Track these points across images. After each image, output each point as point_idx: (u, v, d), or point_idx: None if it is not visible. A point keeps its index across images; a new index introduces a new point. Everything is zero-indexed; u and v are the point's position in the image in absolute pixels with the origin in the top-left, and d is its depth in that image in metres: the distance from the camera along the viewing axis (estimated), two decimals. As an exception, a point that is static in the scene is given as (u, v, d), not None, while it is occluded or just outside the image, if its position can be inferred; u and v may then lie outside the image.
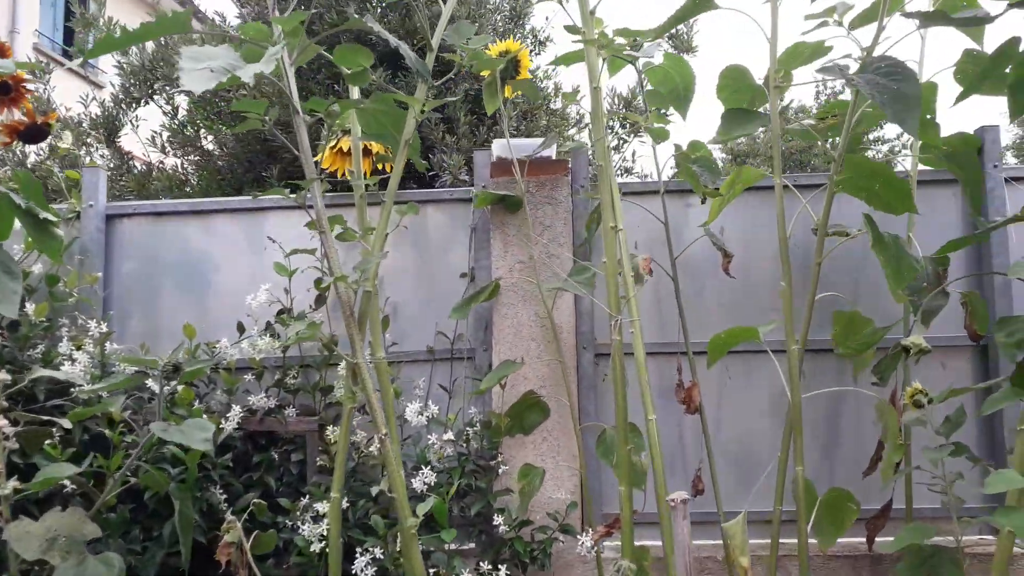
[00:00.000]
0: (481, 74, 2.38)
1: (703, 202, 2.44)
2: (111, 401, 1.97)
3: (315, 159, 2.84)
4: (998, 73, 1.97)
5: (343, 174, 2.50)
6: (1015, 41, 1.90)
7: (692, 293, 2.57)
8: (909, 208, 1.96)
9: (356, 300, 2.00)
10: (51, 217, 1.78)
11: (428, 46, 2.03)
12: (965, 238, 2.00)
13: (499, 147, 2.54)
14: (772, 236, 2.53)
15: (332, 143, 2.53)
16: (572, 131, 5.54)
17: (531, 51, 5.39)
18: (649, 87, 2.45)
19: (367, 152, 2.48)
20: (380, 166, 2.58)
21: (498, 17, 5.27)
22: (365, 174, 2.29)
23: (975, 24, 1.97)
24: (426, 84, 2.03)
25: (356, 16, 1.91)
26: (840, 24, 2.15)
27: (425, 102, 2.02)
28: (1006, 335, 1.79)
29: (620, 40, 2.21)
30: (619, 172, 5.26)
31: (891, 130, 10.41)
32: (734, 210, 2.50)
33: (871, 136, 10.69)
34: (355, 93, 2.26)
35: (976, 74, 2.00)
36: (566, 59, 2.32)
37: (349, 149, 2.53)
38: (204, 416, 2.25)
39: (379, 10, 4.43)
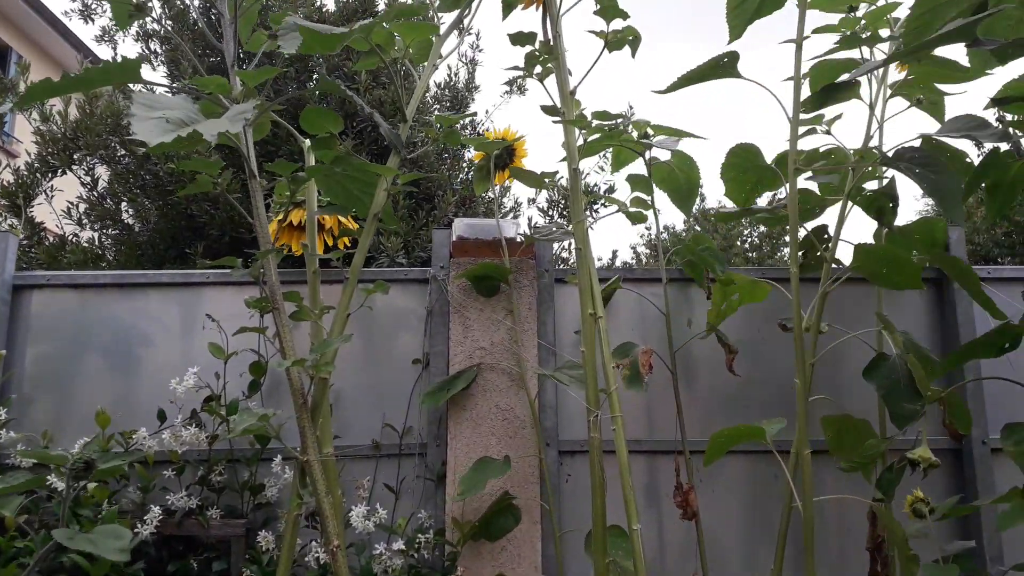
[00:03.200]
0: (474, 157, 2.27)
1: (708, 297, 2.33)
2: (5, 503, 1.66)
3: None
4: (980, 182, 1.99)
5: (288, 250, 2.30)
6: (996, 152, 1.92)
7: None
8: (915, 285, 1.91)
9: (308, 388, 1.77)
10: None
11: (402, 117, 1.90)
12: (970, 347, 1.92)
13: (461, 227, 2.40)
14: (762, 330, 2.46)
15: (281, 216, 2.34)
16: (504, 217, 5.49)
17: (439, 143, 5.36)
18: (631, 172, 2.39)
19: (320, 229, 2.30)
20: (330, 242, 2.40)
21: (436, 107, 5.25)
22: (319, 253, 2.10)
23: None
24: (399, 156, 1.88)
25: (325, 77, 1.77)
26: (828, 132, 2.20)
27: (399, 175, 1.86)
28: (1014, 443, 1.71)
29: (598, 122, 2.12)
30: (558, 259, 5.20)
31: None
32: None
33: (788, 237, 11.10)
34: (311, 160, 2.09)
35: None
36: (594, 147, 2.21)
37: (299, 223, 2.34)
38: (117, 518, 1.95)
39: (343, 75, 4.33)
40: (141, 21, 5.28)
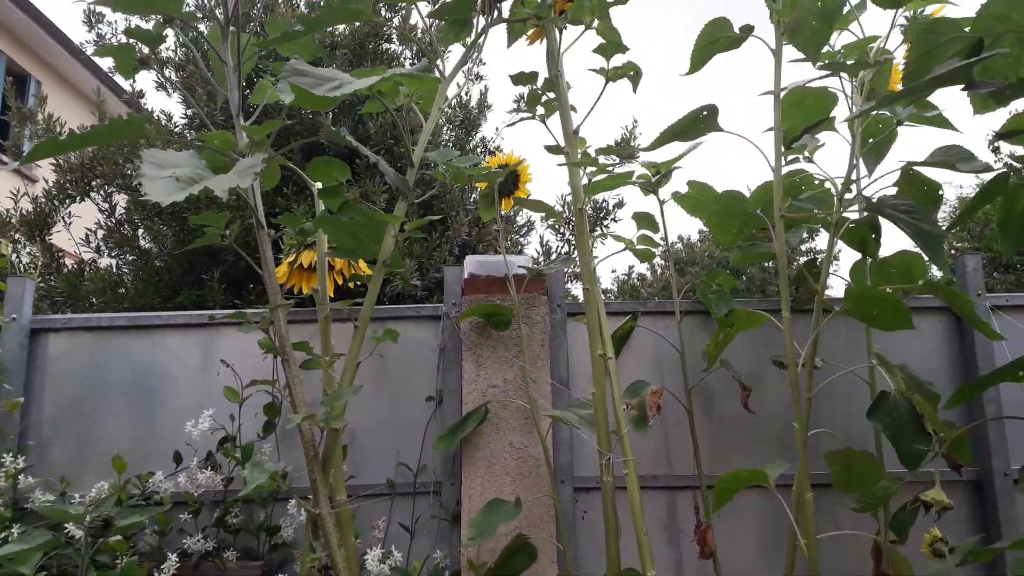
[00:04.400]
0: (478, 185, 2.28)
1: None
2: (23, 558, 1.68)
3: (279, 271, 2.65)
4: (980, 207, 1.97)
5: (299, 291, 2.31)
6: (1004, 177, 1.88)
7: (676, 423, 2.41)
8: (906, 325, 1.88)
9: (320, 439, 1.78)
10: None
11: (410, 162, 1.90)
12: (985, 378, 1.89)
13: (472, 264, 2.39)
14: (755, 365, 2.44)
15: (291, 258, 2.34)
16: (517, 237, 5.49)
17: (483, 160, 5.37)
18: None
19: (330, 268, 2.30)
20: (340, 282, 2.41)
21: (448, 128, 5.26)
22: (330, 294, 2.10)
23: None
24: (407, 201, 1.88)
25: (331, 128, 1.77)
26: (810, 160, 2.16)
27: (407, 221, 1.86)
28: (1031, 483, 1.68)
29: (604, 159, 2.11)
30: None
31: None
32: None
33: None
34: (321, 207, 2.10)
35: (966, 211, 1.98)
36: (600, 186, 2.22)
37: (310, 265, 2.35)
38: (136, 565, 1.96)
39: (352, 122, 4.35)
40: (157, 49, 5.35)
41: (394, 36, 4.94)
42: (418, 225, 1.94)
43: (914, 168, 2.02)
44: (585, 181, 2.07)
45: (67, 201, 4.52)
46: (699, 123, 1.94)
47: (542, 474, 2.27)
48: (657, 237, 2.28)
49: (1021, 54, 1.70)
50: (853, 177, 2.11)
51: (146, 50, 1.84)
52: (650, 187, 2.27)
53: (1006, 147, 6.39)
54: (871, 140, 2.07)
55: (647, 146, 2.02)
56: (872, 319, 1.96)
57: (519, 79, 2.02)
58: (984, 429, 2.31)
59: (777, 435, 2.42)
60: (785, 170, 2.13)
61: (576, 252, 2.24)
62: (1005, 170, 1.86)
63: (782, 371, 2.25)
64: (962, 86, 1.59)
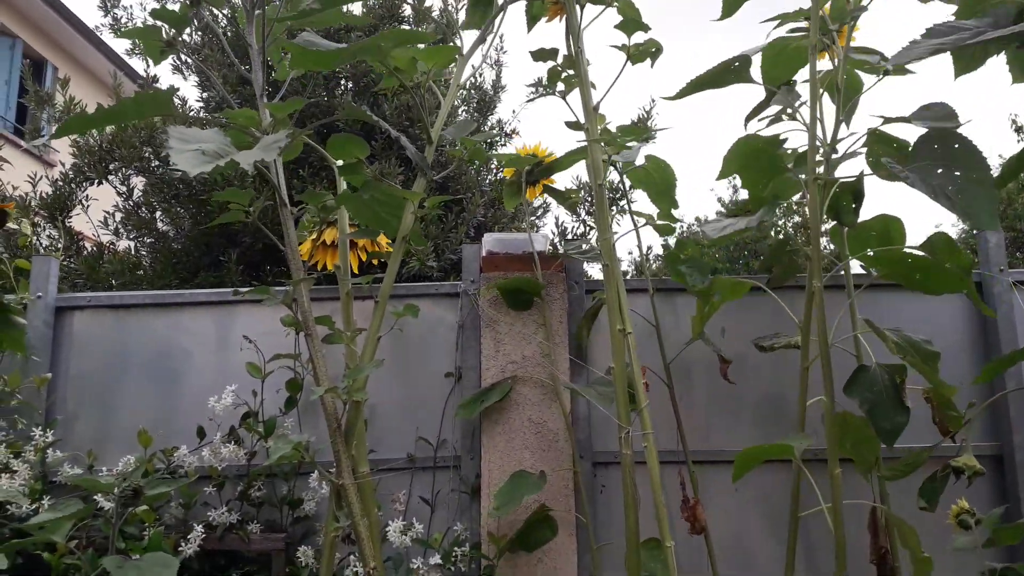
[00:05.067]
0: (505, 173, 2.28)
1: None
2: (55, 527, 1.71)
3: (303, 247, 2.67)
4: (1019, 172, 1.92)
5: (323, 267, 2.33)
6: None
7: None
8: (964, 286, 1.85)
9: (343, 411, 1.81)
10: (10, 304, 1.58)
11: (428, 139, 1.91)
12: (1010, 357, 1.88)
13: (490, 241, 2.41)
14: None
15: (315, 235, 2.37)
16: (533, 219, 5.49)
17: (498, 142, 5.37)
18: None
19: (352, 245, 2.33)
20: (364, 258, 2.43)
21: (463, 109, 5.26)
22: (352, 270, 2.12)
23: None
24: (425, 178, 1.90)
25: (351, 103, 1.78)
26: (794, 118, 2.06)
27: (426, 197, 1.88)
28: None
29: (623, 138, 2.12)
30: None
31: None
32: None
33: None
34: (343, 185, 2.12)
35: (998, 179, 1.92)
36: (568, 160, 2.21)
37: (333, 242, 2.37)
38: (163, 536, 2.00)
39: (370, 99, 4.36)
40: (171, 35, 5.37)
41: (409, 17, 4.94)
42: (437, 202, 1.96)
43: (881, 128, 1.92)
44: (605, 157, 2.07)
45: (85, 184, 4.56)
46: (730, 73, 1.92)
47: (560, 449, 2.30)
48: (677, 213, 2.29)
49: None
50: (841, 135, 2.02)
51: (172, 32, 1.86)
52: (611, 161, 2.26)
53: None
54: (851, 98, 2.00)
55: (673, 95, 2.01)
56: (913, 282, 1.92)
57: (539, 55, 2.03)
58: (1004, 403, 2.31)
59: (754, 407, 2.45)
60: (771, 130, 2.09)
61: (594, 230, 2.24)
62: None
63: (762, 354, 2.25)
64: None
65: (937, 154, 1.66)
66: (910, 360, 1.85)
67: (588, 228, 5.07)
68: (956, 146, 1.65)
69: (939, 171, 1.60)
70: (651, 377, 2.19)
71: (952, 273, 1.86)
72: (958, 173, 1.59)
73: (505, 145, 5.57)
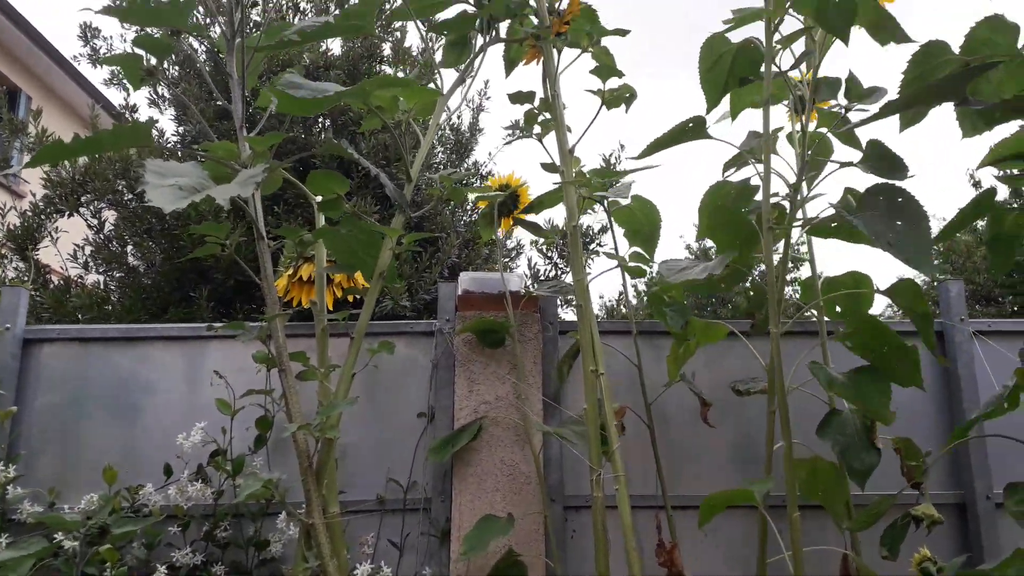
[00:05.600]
0: (478, 205, 2.30)
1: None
2: (15, 565, 1.67)
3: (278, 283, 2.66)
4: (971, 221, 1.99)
5: (297, 303, 2.32)
6: (991, 192, 1.90)
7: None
8: (915, 383, 1.88)
9: (315, 449, 1.78)
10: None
11: (407, 177, 1.93)
12: (976, 419, 1.91)
13: (466, 281, 2.42)
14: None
15: (290, 271, 2.36)
16: (506, 260, 5.52)
17: (475, 183, 5.41)
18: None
19: (329, 281, 2.32)
20: (339, 295, 2.42)
21: (440, 151, 5.31)
22: (328, 307, 2.11)
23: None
24: (404, 215, 1.91)
25: (331, 139, 1.80)
26: (759, 161, 2.12)
27: (404, 234, 1.89)
28: (1015, 503, 1.71)
29: (598, 180, 2.15)
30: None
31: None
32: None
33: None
34: (321, 221, 2.12)
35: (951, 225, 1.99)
36: (550, 199, 2.24)
37: (309, 278, 2.37)
38: (122, 579, 1.95)
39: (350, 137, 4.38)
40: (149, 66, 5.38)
41: (388, 58, 5.00)
42: (414, 239, 1.97)
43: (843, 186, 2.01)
44: (592, 194, 2.10)
45: (55, 216, 4.51)
46: (687, 133, 1.97)
47: (532, 491, 2.28)
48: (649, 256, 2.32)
49: (1005, 78, 1.75)
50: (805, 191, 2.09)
51: (153, 61, 1.87)
52: (598, 198, 2.30)
53: (984, 176, 6.50)
54: (809, 152, 2.06)
55: (637, 155, 2.05)
56: (880, 359, 1.93)
57: (516, 98, 2.06)
58: (966, 452, 2.35)
59: (732, 451, 2.46)
60: (737, 177, 2.15)
61: (568, 271, 2.26)
62: (991, 188, 1.90)
63: (739, 398, 2.28)
64: (955, 102, 1.63)
65: (882, 205, 1.75)
66: (847, 397, 1.89)
67: (560, 271, 5.10)
68: (899, 200, 1.76)
69: (884, 220, 1.69)
70: (631, 418, 2.20)
71: (914, 360, 1.88)
72: (899, 223, 1.69)
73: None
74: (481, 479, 2.29)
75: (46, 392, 2.47)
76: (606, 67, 1.98)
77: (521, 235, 5.69)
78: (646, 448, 2.32)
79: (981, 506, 2.33)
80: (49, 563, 2.08)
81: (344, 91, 1.69)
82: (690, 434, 2.44)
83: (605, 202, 2.34)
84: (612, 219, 2.38)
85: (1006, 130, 1.90)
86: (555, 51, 2.05)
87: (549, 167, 2.10)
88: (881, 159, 1.86)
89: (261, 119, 2.02)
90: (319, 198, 2.11)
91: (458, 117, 5.38)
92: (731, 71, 2.10)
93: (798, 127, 2.05)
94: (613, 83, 2.05)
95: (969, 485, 2.36)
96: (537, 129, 2.09)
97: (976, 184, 6.41)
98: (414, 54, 5.03)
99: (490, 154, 6.01)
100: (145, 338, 2.54)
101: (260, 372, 2.36)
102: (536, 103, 2.10)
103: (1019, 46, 1.72)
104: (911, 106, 1.77)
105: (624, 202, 2.35)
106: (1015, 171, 1.99)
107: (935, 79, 1.74)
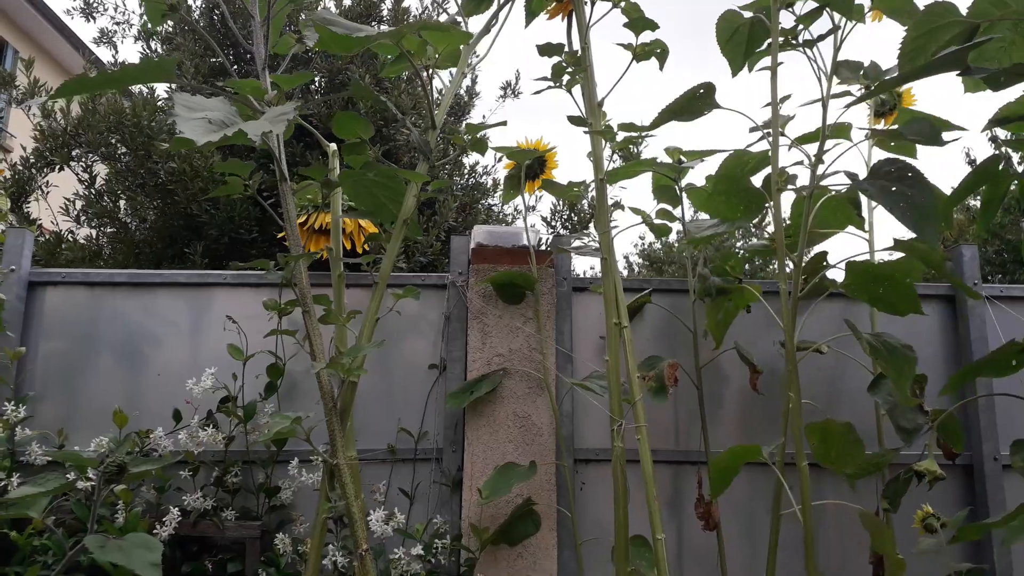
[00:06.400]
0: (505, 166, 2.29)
1: (748, 311, 2.37)
2: (31, 502, 1.64)
3: (281, 235, 2.64)
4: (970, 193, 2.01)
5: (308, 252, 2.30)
6: (996, 159, 1.92)
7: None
8: (915, 309, 1.91)
9: (338, 392, 1.78)
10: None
11: (432, 124, 1.91)
12: (977, 365, 1.94)
13: (481, 234, 2.41)
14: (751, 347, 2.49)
15: (302, 219, 2.34)
16: (508, 222, 5.52)
17: (468, 152, 5.38)
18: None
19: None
20: (348, 246, 2.40)
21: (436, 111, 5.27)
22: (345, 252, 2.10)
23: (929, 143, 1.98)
24: (427, 162, 1.89)
25: (359, 82, 1.77)
26: (783, 135, 2.15)
27: (429, 181, 1.87)
28: (1022, 459, 1.73)
29: (624, 134, 2.14)
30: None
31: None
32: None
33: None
34: (336, 165, 2.10)
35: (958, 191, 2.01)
36: (631, 170, 2.22)
37: (321, 227, 2.35)
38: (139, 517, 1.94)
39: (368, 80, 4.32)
40: (143, 22, 5.27)
41: (386, 18, 4.93)
42: (440, 186, 1.95)
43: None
44: (608, 152, 2.09)
45: (46, 169, 4.42)
46: (696, 101, 1.96)
47: (544, 443, 2.30)
48: (677, 213, 2.32)
49: (1016, 39, 1.75)
50: (826, 149, 2.12)
51: (177, -5, 1.83)
52: (672, 175, 2.30)
53: (1002, 134, 6.58)
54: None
55: (647, 126, 2.04)
56: (877, 299, 1.97)
57: (545, 50, 2.04)
58: (975, 414, 2.38)
59: (772, 415, 2.48)
60: (761, 145, 2.16)
61: (592, 224, 2.25)
62: (996, 153, 1.92)
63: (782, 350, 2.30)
64: (957, 71, 1.64)
65: (892, 176, 1.77)
66: (880, 363, 1.91)
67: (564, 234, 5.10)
68: (909, 173, 1.77)
69: (894, 188, 1.71)
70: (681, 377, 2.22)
71: (909, 293, 1.90)
72: (910, 192, 1.70)
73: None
74: (494, 430, 2.29)
75: (50, 336, 2.44)
76: (641, 20, 1.97)
77: (519, 201, 5.67)
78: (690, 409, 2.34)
79: (988, 467, 2.37)
80: (58, 504, 2.07)
81: (383, 32, 1.66)
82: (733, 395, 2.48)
83: (681, 180, 2.35)
84: (681, 200, 2.37)
85: (1010, 94, 1.92)
86: (588, 2, 2.03)
87: (577, 120, 2.08)
88: (916, 123, 1.86)
89: (283, 62, 1.99)
90: (333, 147, 2.09)
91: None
92: (749, 39, 2.11)
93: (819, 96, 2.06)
94: (645, 37, 2.03)
95: (977, 447, 2.40)
96: (565, 79, 2.07)
97: (994, 139, 6.47)
98: (413, 13, 4.97)
99: (484, 116, 5.98)
100: (152, 284, 2.51)
101: (271, 319, 2.34)
102: (563, 56, 2.08)
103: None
104: (910, 80, 1.79)
105: (699, 184, 2.34)
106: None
107: (940, 44, 1.74)
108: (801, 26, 2.03)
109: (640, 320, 2.49)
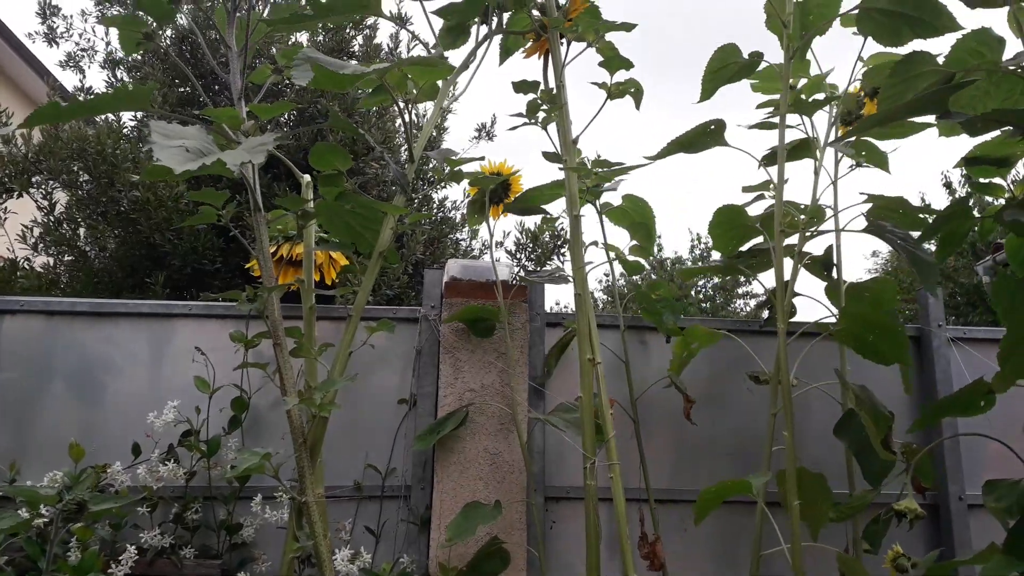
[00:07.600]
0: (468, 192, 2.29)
1: (667, 341, 2.38)
2: (-18, 540, 1.57)
3: (247, 266, 2.60)
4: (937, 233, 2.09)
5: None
6: (965, 199, 2.00)
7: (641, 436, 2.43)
8: (901, 359, 1.94)
9: (308, 427, 1.74)
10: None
11: (410, 157, 1.91)
12: (943, 404, 1.97)
13: (455, 268, 2.40)
14: (724, 382, 2.51)
15: (272, 249, 2.31)
16: (475, 255, 5.52)
17: (442, 183, 5.41)
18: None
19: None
20: (317, 279, 2.37)
21: (404, 148, 5.28)
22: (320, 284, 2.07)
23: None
24: (405, 195, 1.89)
25: (337, 114, 1.77)
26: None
27: (407, 213, 1.86)
28: (994, 500, 1.75)
29: (599, 170, 2.16)
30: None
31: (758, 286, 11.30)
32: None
33: (741, 290, 11.38)
34: (310, 195, 2.08)
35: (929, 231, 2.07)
36: (549, 192, 2.22)
37: (291, 257, 2.32)
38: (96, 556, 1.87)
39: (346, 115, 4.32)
40: (109, 49, 5.23)
41: (358, 54, 4.95)
42: (417, 219, 1.94)
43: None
44: (582, 191, 2.10)
45: (4, 196, 4.32)
46: (706, 136, 2.00)
47: (515, 480, 2.27)
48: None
49: (990, 89, 1.82)
50: (823, 203, 2.22)
51: (154, 25, 1.81)
52: (590, 195, 2.32)
53: (955, 178, 6.80)
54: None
55: (652, 156, 2.07)
56: (865, 346, 1.98)
57: (521, 87, 2.06)
58: (940, 455, 2.41)
59: (728, 449, 2.49)
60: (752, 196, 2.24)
61: (567, 259, 2.26)
62: (964, 196, 1.98)
63: (744, 385, 2.32)
64: (936, 115, 1.70)
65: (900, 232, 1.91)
66: (863, 413, 1.94)
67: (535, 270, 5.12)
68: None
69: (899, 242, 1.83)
70: (617, 411, 2.20)
71: (900, 342, 1.94)
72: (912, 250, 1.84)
73: (449, 187, 5.67)
74: (464, 467, 2.26)
75: (6, 366, 2.36)
76: (616, 59, 2.00)
77: (487, 236, 5.69)
78: (624, 442, 2.32)
79: (954, 507, 2.39)
80: (9, 543, 1.98)
81: (376, 68, 1.67)
82: (674, 431, 2.45)
83: (598, 203, 2.37)
84: (602, 216, 2.40)
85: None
86: (563, 41, 2.06)
87: (552, 156, 2.09)
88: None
89: (260, 91, 1.98)
90: (307, 178, 2.08)
91: (423, 116, 5.37)
92: (731, 79, 2.17)
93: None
94: (620, 76, 2.06)
95: (943, 486, 2.42)
96: (541, 116, 2.08)
97: (947, 184, 6.67)
98: (385, 48, 5.00)
99: (462, 150, 6.00)
100: (115, 314, 2.44)
101: (237, 351, 2.29)
102: (539, 93, 2.09)
103: (1003, 59, 1.80)
104: (893, 120, 1.86)
105: (616, 202, 2.38)
106: (981, 179, 2.08)
107: (918, 91, 1.81)
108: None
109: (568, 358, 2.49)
